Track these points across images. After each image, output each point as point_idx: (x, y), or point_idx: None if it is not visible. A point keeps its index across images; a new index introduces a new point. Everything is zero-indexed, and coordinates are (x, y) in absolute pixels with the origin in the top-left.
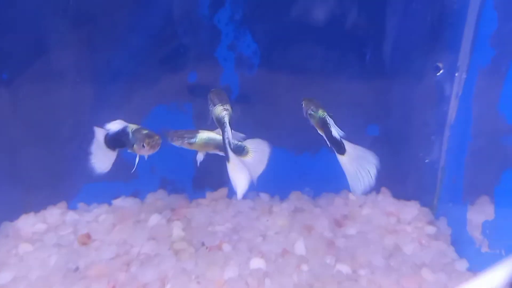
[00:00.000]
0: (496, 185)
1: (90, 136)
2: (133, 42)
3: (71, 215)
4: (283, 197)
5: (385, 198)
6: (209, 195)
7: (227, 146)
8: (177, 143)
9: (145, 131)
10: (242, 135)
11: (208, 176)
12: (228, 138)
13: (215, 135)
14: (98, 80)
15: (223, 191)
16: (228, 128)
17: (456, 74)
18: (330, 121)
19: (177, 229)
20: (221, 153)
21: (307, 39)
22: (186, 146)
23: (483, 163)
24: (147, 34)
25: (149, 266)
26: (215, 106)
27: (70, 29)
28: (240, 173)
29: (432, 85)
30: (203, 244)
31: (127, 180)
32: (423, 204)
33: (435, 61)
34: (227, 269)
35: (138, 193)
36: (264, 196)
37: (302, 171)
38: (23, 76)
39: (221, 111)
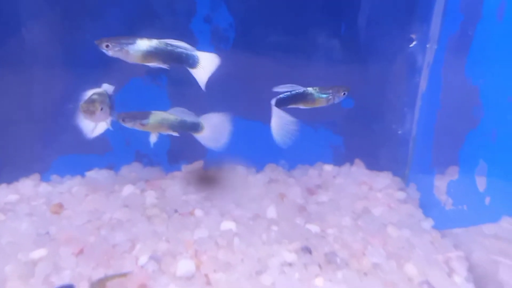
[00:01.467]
0: (461, 147)
1: (65, 110)
2: (107, 14)
3: (44, 187)
4: (259, 169)
5: (359, 169)
6: (185, 167)
7: None
8: (129, 125)
9: (93, 97)
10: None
11: (184, 150)
12: None
13: (169, 115)
14: (72, 54)
15: (199, 163)
16: None
17: (428, 45)
18: None
19: (150, 198)
20: (175, 134)
21: (282, 12)
22: (138, 128)
23: (450, 128)
24: (122, 6)
25: (120, 229)
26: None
27: (43, 2)
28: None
29: (406, 57)
30: (176, 211)
31: (101, 153)
32: (395, 174)
33: (408, 32)
34: (197, 231)
35: (112, 166)
36: (239, 168)
37: (277, 144)
38: None
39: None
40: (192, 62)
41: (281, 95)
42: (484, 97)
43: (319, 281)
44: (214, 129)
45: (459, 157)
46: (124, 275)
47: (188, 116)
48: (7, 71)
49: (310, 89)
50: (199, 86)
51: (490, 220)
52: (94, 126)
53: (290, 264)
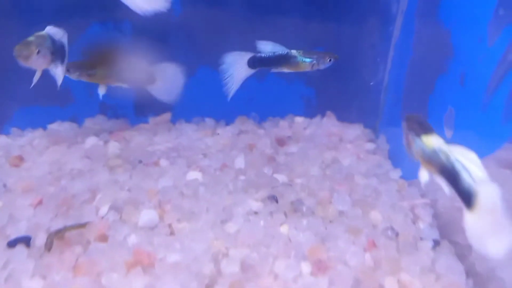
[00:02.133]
0: (430, 95)
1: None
2: None
3: (3, 139)
4: (229, 121)
5: (330, 121)
6: (152, 120)
7: None
8: (74, 76)
9: (29, 39)
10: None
11: (151, 102)
12: None
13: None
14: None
15: (167, 115)
16: None
17: None
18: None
19: (113, 149)
20: (125, 86)
21: None
22: (85, 79)
23: (421, 76)
24: None
25: (80, 179)
26: None
27: None
28: None
29: (380, 6)
30: (140, 161)
31: (64, 105)
32: (367, 126)
33: None
34: (162, 181)
35: (75, 118)
36: (209, 121)
37: (248, 96)
38: None
39: None
40: None
41: (260, 54)
42: (455, 40)
43: (284, 228)
44: (166, 80)
45: (428, 105)
46: (83, 225)
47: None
48: None
49: (293, 52)
50: (166, 33)
51: None
52: (36, 74)
53: (255, 213)
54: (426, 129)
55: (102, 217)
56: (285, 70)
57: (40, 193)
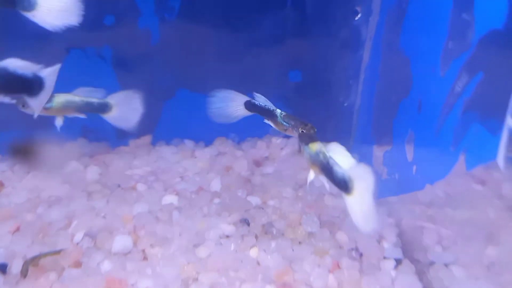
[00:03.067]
0: (395, 118)
1: None
2: None
3: None
4: (208, 143)
5: None
6: (132, 142)
7: None
8: (28, 110)
9: None
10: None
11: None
12: None
13: (74, 97)
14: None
15: (147, 138)
16: None
17: (370, 18)
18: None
19: (92, 174)
20: (82, 116)
21: None
22: (41, 113)
23: (387, 99)
24: None
25: (58, 207)
26: None
27: None
28: None
29: (351, 30)
30: (118, 186)
31: (45, 129)
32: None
33: (353, 5)
34: (137, 206)
35: (57, 142)
36: (188, 142)
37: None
38: None
39: None
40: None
41: (253, 101)
42: (413, 68)
43: (253, 251)
44: (123, 108)
45: (393, 127)
46: (57, 252)
47: (94, 97)
48: None
49: (278, 111)
50: (145, 57)
51: (418, 188)
52: None
53: (227, 236)
54: (313, 139)
55: (77, 244)
56: (269, 123)
57: (18, 220)
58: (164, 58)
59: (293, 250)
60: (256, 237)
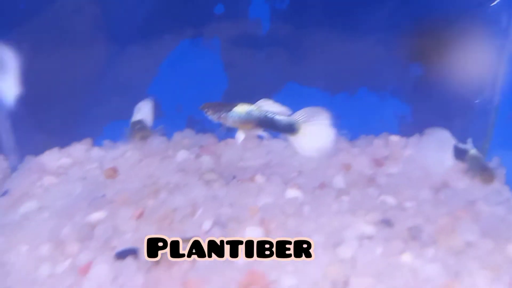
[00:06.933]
0: None
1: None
2: None
3: (97, 151)
4: None
5: None
6: None
7: None
8: (214, 117)
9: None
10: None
11: None
12: None
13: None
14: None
15: (255, 131)
16: None
17: None
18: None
19: (206, 163)
20: (263, 134)
21: None
22: (221, 121)
23: None
24: None
25: (179, 193)
26: None
27: None
28: None
29: (487, 16)
30: (234, 177)
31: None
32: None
33: None
34: (261, 198)
35: (164, 132)
36: None
37: (338, 113)
38: None
39: None
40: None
41: None
42: None
43: (406, 257)
44: (311, 131)
45: None
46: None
47: (280, 112)
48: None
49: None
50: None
51: None
52: None
53: (369, 237)
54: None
55: (207, 232)
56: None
57: (139, 205)
58: (273, 50)
59: (454, 261)
60: (405, 241)
